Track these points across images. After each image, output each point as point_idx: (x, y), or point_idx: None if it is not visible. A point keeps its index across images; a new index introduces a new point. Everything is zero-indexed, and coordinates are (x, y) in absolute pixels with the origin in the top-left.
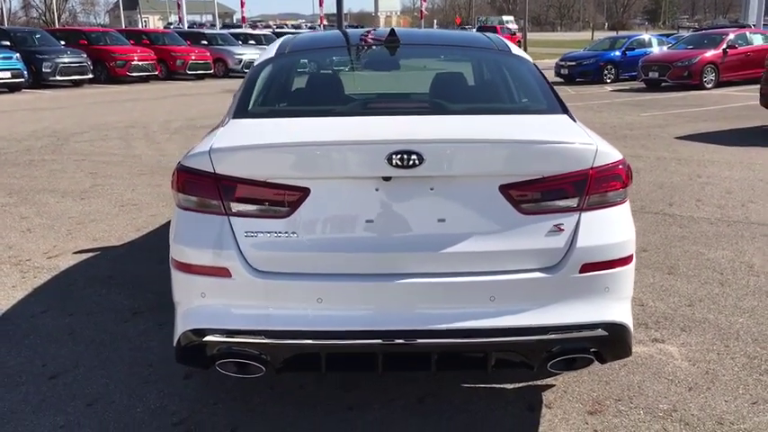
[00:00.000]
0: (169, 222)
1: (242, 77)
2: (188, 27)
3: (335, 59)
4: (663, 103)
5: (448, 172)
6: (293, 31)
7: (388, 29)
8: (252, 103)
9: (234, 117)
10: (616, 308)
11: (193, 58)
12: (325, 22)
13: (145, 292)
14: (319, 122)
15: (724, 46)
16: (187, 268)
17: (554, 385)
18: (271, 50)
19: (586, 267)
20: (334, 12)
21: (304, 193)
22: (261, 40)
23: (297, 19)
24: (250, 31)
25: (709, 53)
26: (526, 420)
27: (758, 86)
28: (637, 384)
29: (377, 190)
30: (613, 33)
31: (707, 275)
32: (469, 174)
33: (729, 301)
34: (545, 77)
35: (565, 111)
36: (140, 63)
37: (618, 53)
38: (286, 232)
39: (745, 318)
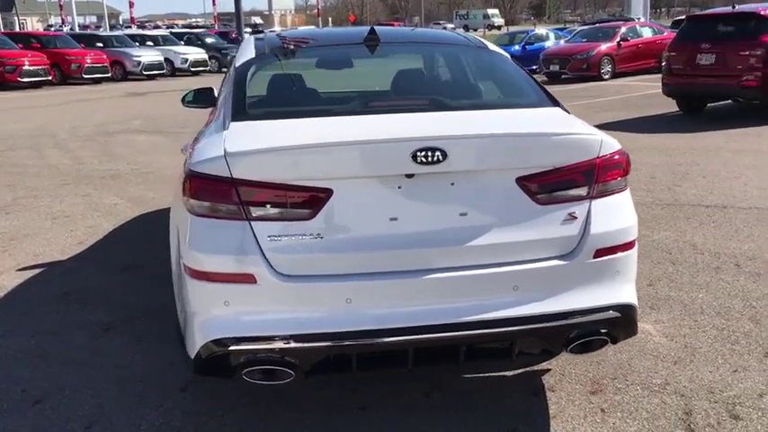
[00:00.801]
0: (113, 233)
1: (143, 80)
2: (73, 29)
3: (322, 58)
4: (567, 95)
5: (468, 167)
6: (186, 31)
7: (367, 27)
8: (248, 104)
9: (233, 120)
10: (626, 290)
11: (89, 61)
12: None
13: (110, 306)
14: (331, 122)
15: (618, 39)
16: (207, 277)
17: (550, 369)
18: (248, 51)
19: (599, 253)
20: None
21: (327, 193)
22: (158, 41)
23: (186, 18)
24: (147, 31)
25: (605, 46)
26: (535, 404)
27: (651, 76)
28: (627, 362)
29: (399, 187)
30: (504, 29)
31: (657, 256)
32: (488, 168)
33: (685, 278)
34: (526, 71)
35: (556, 103)
36: (32, 68)
37: (518, 48)
38: (310, 234)
39: (702, 293)
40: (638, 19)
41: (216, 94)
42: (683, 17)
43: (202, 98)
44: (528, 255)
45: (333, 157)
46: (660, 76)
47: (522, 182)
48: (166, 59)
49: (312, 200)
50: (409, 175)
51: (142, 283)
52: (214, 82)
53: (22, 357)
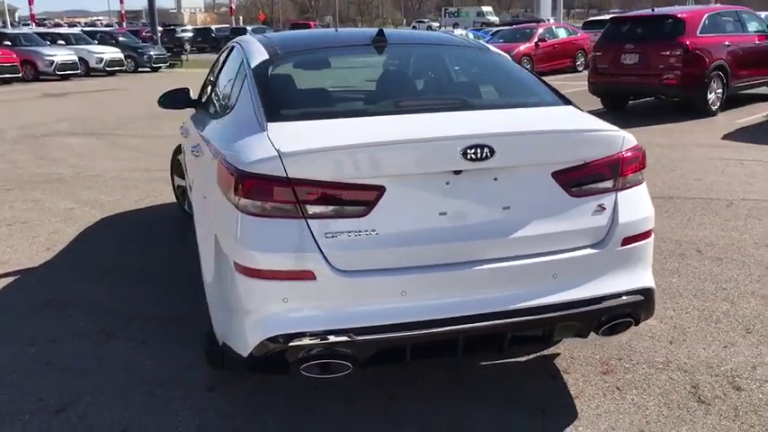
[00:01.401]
0: (79, 239)
1: (56, 80)
2: None
3: (339, 60)
4: None
5: (512, 162)
6: (99, 29)
7: (375, 29)
8: (279, 105)
9: (270, 120)
10: (646, 274)
11: None
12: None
13: (100, 313)
14: (373, 121)
15: (536, 39)
16: (265, 275)
17: (559, 353)
18: (258, 52)
19: (626, 241)
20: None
21: (379, 191)
22: (70, 40)
23: (86, 16)
24: (59, 30)
25: (524, 46)
26: (554, 387)
27: (568, 75)
28: (627, 344)
29: (447, 183)
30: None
31: None
32: (528, 163)
33: (656, 265)
34: (530, 71)
35: (568, 102)
36: None
37: None
38: (365, 230)
39: (675, 278)
40: (548, 20)
41: (192, 96)
42: (595, 18)
43: (179, 99)
44: (564, 244)
45: (386, 156)
46: (576, 74)
47: (557, 176)
48: (80, 59)
49: (366, 197)
50: (457, 172)
51: (125, 288)
52: (131, 83)
53: (27, 366)
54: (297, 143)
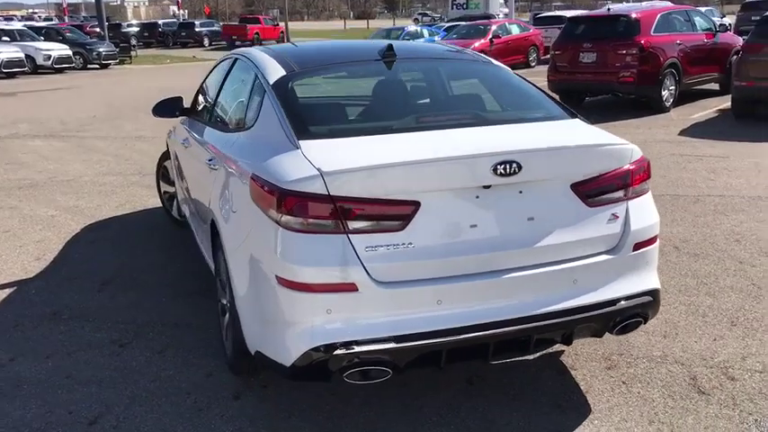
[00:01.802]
0: (68, 248)
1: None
2: None
3: (353, 75)
4: None
5: (536, 176)
6: (44, 25)
7: (383, 42)
8: (307, 123)
9: (301, 138)
10: (654, 277)
11: None
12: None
13: (109, 323)
14: (405, 139)
15: (490, 36)
16: (309, 288)
17: (563, 350)
18: (273, 67)
19: (637, 246)
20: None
21: (415, 206)
22: (15, 36)
23: (21, 9)
24: (2, 25)
25: (479, 43)
26: (565, 382)
27: (521, 71)
28: (625, 340)
29: (477, 197)
30: (363, 23)
31: None
32: (551, 176)
33: None
34: (531, 83)
35: (574, 115)
36: None
37: None
38: (402, 243)
39: (659, 275)
40: (498, 16)
41: (185, 104)
42: (545, 14)
43: (174, 108)
44: (583, 251)
45: (422, 173)
46: (530, 70)
47: (576, 188)
48: (27, 56)
49: (403, 212)
50: (486, 186)
51: (128, 297)
52: (82, 80)
53: (49, 380)
54: (335, 162)
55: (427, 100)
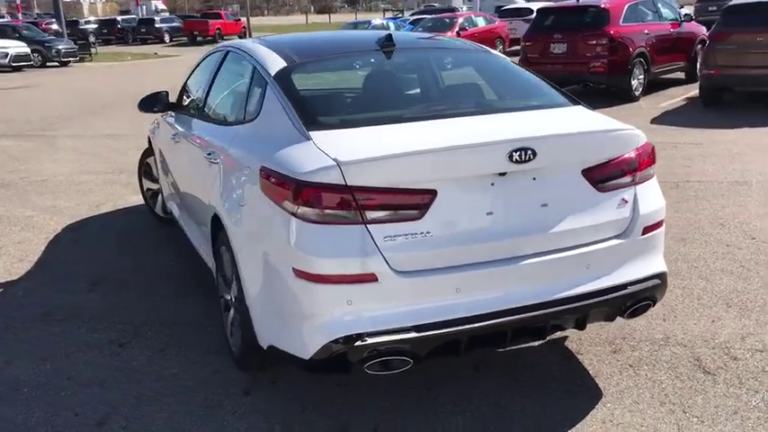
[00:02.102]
0: (50, 248)
1: None
2: None
3: (355, 65)
4: None
5: (549, 163)
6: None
7: (380, 32)
8: (315, 114)
9: (311, 129)
10: (661, 260)
11: None
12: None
13: (105, 322)
14: (417, 127)
15: (457, 29)
16: (329, 279)
17: (567, 336)
18: (272, 59)
19: (646, 230)
20: None
21: (432, 194)
22: None
23: None
24: None
25: (447, 36)
26: (572, 367)
27: None
28: (625, 324)
29: (492, 185)
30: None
31: None
32: (563, 162)
33: None
34: (531, 72)
35: (577, 102)
36: None
37: None
38: (420, 232)
39: None
40: (462, 9)
41: (170, 99)
42: (509, 6)
43: (159, 102)
44: (595, 236)
45: (439, 161)
46: None
47: (586, 173)
48: None
49: (420, 201)
50: (502, 173)
51: (121, 297)
52: (43, 78)
53: (49, 382)
54: (351, 152)
55: (432, 89)
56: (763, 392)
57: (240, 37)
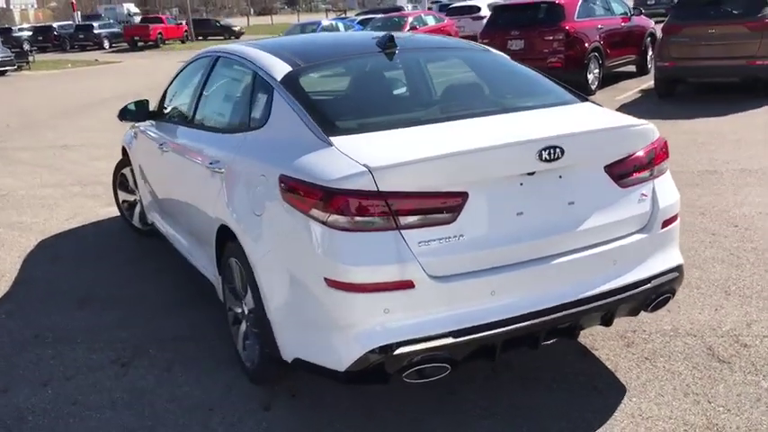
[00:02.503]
0: (26, 267)
1: None
2: None
3: (361, 67)
4: None
5: (576, 160)
6: None
7: (380, 33)
8: (332, 118)
9: (330, 135)
10: (677, 252)
11: None
12: None
13: (101, 342)
14: (440, 129)
15: (407, 28)
16: (365, 288)
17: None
18: (273, 63)
19: (665, 223)
20: None
21: (463, 197)
22: None
23: None
24: None
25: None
26: (591, 364)
27: None
28: (634, 318)
29: (521, 185)
30: (267, 19)
31: None
32: (588, 159)
33: None
34: (534, 69)
35: (585, 99)
36: None
37: None
38: (454, 236)
39: None
40: (407, 8)
41: (150, 107)
42: (457, 5)
43: (141, 111)
44: (619, 232)
45: (469, 163)
46: None
47: (609, 169)
48: None
49: (452, 204)
50: (531, 173)
51: (113, 315)
52: None
53: (55, 409)
54: (380, 157)
55: (442, 90)
56: None
57: (183, 41)
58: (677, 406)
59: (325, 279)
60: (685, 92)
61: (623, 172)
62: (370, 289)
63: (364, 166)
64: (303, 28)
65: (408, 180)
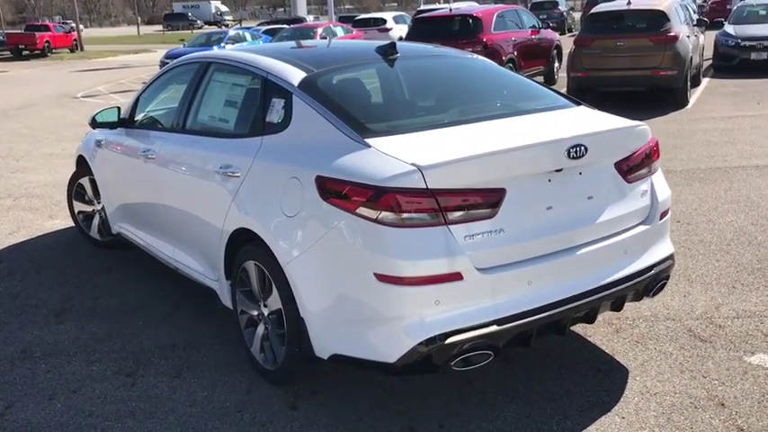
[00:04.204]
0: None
1: None
2: None
3: (373, 73)
4: None
5: (595, 158)
6: None
7: (389, 41)
8: (363, 120)
9: (365, 137)
10: (669, 242)
11: None
12: None
13: (97, 354)
14: (473, 130)
15: (318, 38)
16: (417, 281)
17: None
18: (283, 69)
19: (662, 215)
20: None
21: (502, 193)
22: None
23: None
24: None
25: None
26: (589, 348)
27: None
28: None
29: (549, 181)
30: (157, 27)
31: None
32: (603, 157)
33: None
34: (523, 77)
35: (579, 102)
36: None
37: (219, 48)
38: (495, 230)
39: None
40: (308, 19)
41: (121, 114)
42: (363, 17)
43: (113, 119)
44: (628, 223)
45: (508, 161)
46: None
47: (618, 166)
48: None
49: (492, 200)
50: (558, 170)
51: (99, 327)
52: None
53: (71, 422)
54: (425, 156)
55: (456, 94)
56: (759, 353)
57: (72, 50)
58: (678, 382)
59: (375, 274)
60: (593, 100)
61: (629, 168)
62: (421, 282)
63: (413, 165)
64: (209, 37)
65: (453, 178)
